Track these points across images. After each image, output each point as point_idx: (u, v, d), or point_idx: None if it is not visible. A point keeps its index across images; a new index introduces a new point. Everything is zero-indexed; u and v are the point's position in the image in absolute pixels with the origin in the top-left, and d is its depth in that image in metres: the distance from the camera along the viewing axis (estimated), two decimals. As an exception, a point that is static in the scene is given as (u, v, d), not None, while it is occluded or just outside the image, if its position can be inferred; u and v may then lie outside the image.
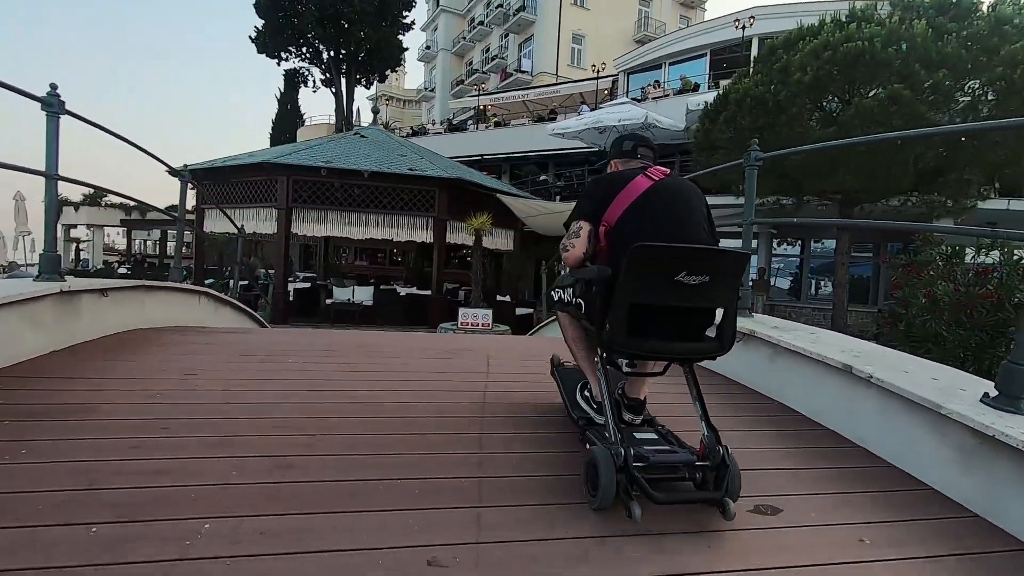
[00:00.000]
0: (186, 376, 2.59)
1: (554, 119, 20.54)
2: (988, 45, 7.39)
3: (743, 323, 3.04)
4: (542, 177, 19.17)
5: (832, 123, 7.76)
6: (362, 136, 12.91)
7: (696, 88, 17.23)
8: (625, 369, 2.02)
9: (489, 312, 9.18)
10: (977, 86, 7.21)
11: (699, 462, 1.66)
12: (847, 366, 2.25)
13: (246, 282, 12.81)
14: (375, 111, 13.89)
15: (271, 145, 32.98)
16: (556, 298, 2.13)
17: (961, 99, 7.41)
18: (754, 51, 17.25)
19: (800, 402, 2.55)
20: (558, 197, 16.72)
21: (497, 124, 22.17)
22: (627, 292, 1.56)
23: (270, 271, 14.12)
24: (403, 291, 12.67)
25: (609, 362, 1.93)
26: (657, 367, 2.00)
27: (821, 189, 8.85)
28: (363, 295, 11.85)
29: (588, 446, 1.82)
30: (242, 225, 9.01)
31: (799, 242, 15.45)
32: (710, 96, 13.50)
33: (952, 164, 7.56)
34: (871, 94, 7.70)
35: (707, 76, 18.35)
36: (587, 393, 2.10)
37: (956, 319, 5.16)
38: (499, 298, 11.48)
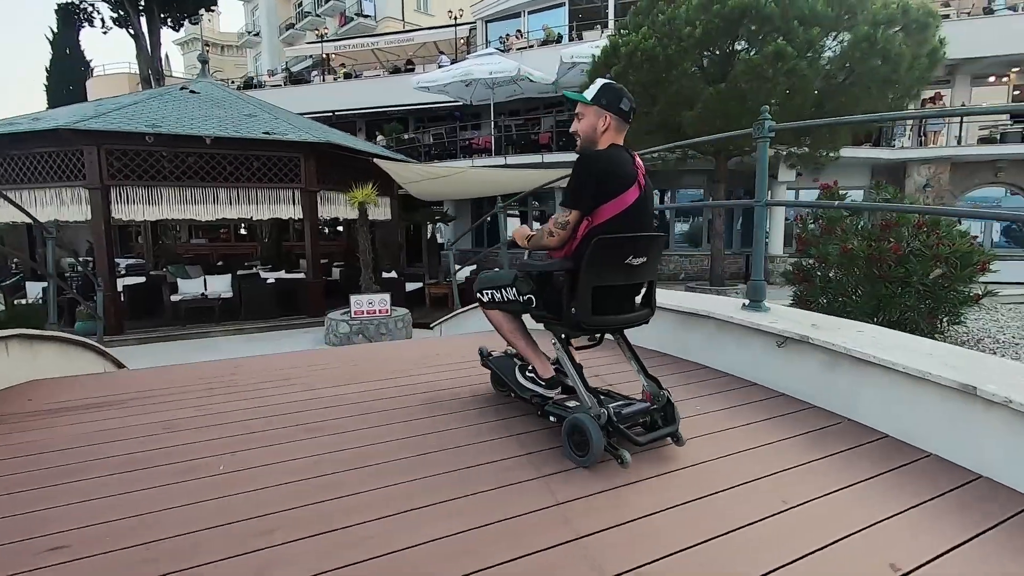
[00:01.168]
0: None
1: (412, 70, 19.01)
2: (848, 4, 7.88)
3: (776, 324, 2.67)
4: (407, 135, 17.73)
5: (722, 79, 7.86)
6: (193, 92, 10.54)
7: (559, 39, 16.88)
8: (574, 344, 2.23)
9: (386, 297, 8.17)
10: (845, 43, 7.70)
11: (651, 407, 2.02)
12: (968, 387, 1.94)
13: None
14: (204, 60, 11.36)
15: (50, 101, 26.64)
16: (488, 298, 2.22)
17: (830, 55, 7.86)
18: (611, 2, 17.27)
19: (883, 421, 2.22)
20: (435, 160, 15.58)
21: (347, 76, 19.93)
22: (591, 278, 1.84)
23: (80, 262, 11.30)
24: (268, 276, 10.91)
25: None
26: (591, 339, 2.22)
27: (709, 145, 9.09)
28: (219, 286, 9.97)
29: (552, 417, 2.11)
30: (56, 224, 6.82)
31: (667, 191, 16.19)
32: (582, 48, 13.21)
33: (824, 117, 8.14)
34: (752, 52, 7.87)
35: (567, 27, 18.06)
36: (530, 374, 2.24)
37: (868, 272, 5.44)
38: (385, 275, 10.38)
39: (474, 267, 10.38)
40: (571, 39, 17.08)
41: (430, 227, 13.80)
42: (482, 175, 10.50)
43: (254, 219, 9.49)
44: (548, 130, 15.60)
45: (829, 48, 7.94)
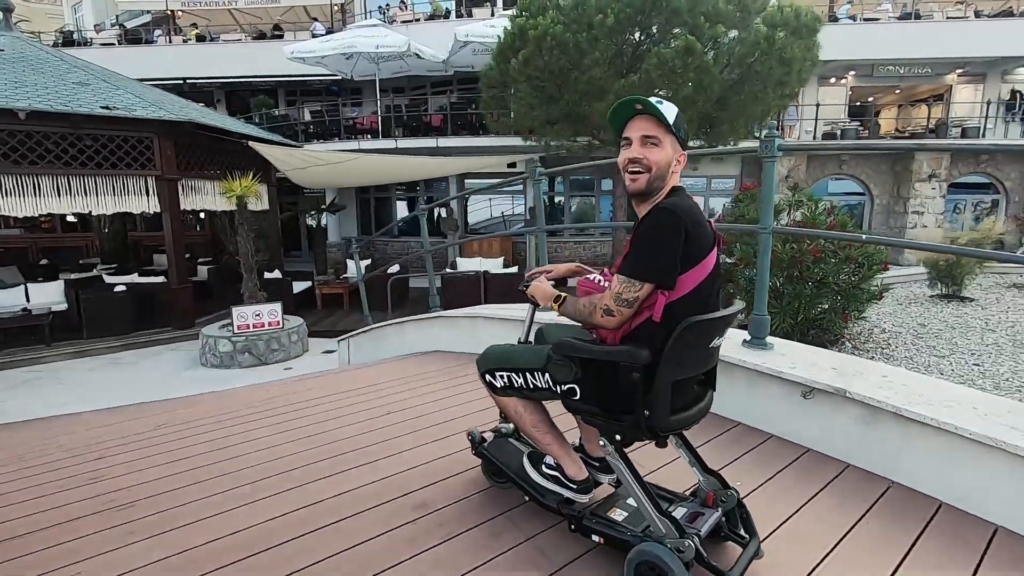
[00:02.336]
0: None
1: (281, 36, 16.97)
2: (745, 3, 8.11)
3: (795, 369, 2.41)
4: (280, 111, 15.80)
5: (632, 70, 7.72)
6: (-5, 49, 8.24)
7: (447, 15, 15.94)
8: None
9: (277, 307, 7.06)
10: (743, 42, 7.91)
11: (717, 511, 1.62)
12: (1047, 457, 1.77)
13: None
14: (7, 7, 8.90)
15: None
16: (503, 384, 1.73)
17: (731, 52, 8.05)
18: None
19: (936, 485, 2.03)
20: (314, 140, 13.98)
21: (200, 38, 17.23)
22: (673, 371, 1.43)
23: None
24: (116, 280, 9.02)
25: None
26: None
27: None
28: (47, 296, 8.04)
29: (596, 537, 1.62)
30: None
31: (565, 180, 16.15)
32: (476, 26, 12.51)
33: (725, 114, 8.39)
34: (659, 45, 7.82)
35: (454, 2, 17.12)
36: (551, 470, 1.76)
37: (790, 274, 5.61)
38: (267, 275, 9.08)
39: (396, 267, 9.42)
40: (459, 15, 16.22)
41: (314, 216, 12.40)
42: (380, 162, 9.54)
43: (94, 213, 7.70)
44: (437, 111, 14.75)
45: (728, 47, 8.13)
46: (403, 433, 2.60)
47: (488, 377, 1.76)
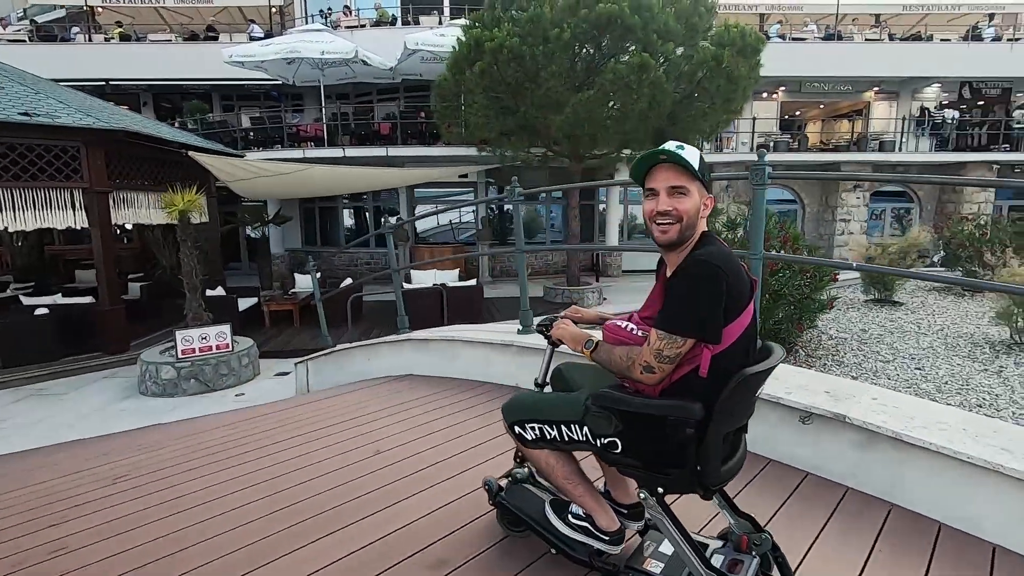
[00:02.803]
0: None
1: (216, 38, 16.15)
2: (692, 23, 8.40)
3: (792, 395, 2.46)
4: (215, 116, 14.98)
5: (588, 84, 7.82)
6: None
7: (394, 22, 15.67)
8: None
9: (226, 329, 6.63)
10: (693, 60, 8.19)
11: (755, 557, 1.58)
12: (1042, 479, 1.87)
13: None
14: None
15: None
16: (534, 436, 1.64)
17: (680, 68, 8.31)
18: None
19: (935, 507, 2.11)
20: (253, 148, 13.32)
21: (125, 37, 16.10)
22: (725, 423, 1.40)
23: None
24: (35, 301, 8.20)
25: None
26: None
27: (573, 148, 9.09)
28: (-45, 320, 7.21)
29: None
30: None
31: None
32: (426, 35, 12.34)
33: (676, 129, 8.64)
34: (614, 60, 7.96)
35: (399, 8, 16.85)
36: (578, 520, 1.70)
37: (749, 287, 5.80)
38: (209, 292, 8.54)
39: (348, 281, 9.06)
40: (405, 22, 15.99)
41: (258, 228, 11.78)
42: (331, 173, 9.19)
43: (11, 230, 6.98)
44: (384, 119, 14.41)
45: (677, 64, 8.38)
46: (400, 476, 2.45)
47: (517, 429, 1.66)
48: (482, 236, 14.47)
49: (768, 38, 17.15)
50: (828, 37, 16.99)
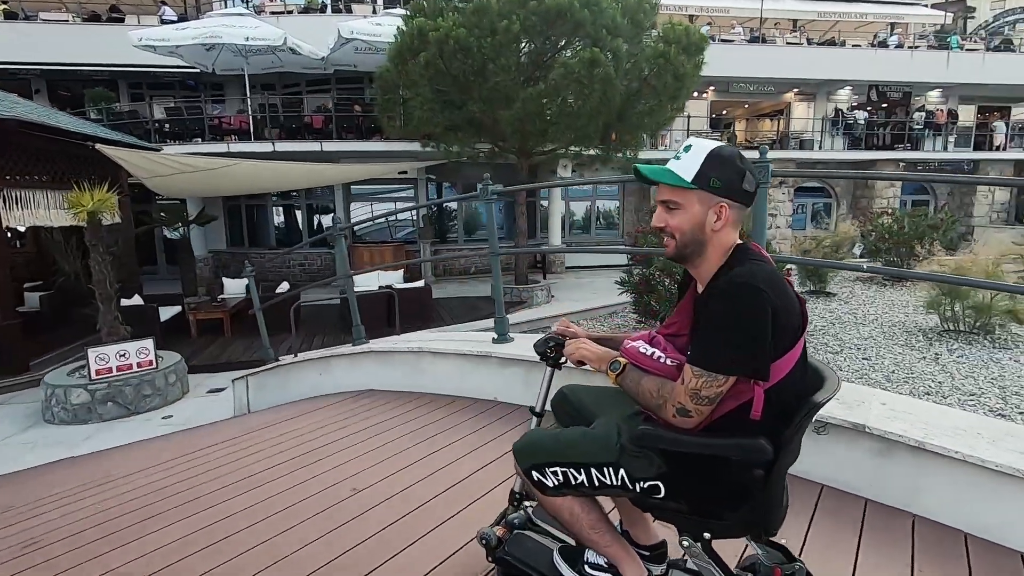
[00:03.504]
0: None
1: (122, 20, 14.69)
2: (637, 19, 8.40)
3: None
4: (123, 106, 13.59)
5: (539, 80, 7.62)
6: None
7: (324, 9, 14.84)
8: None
9: (148, 344, 5.92)
10: (640, 56, 8.19)
11: None
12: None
13: None
14: None
15: None
16: (556, 483, 1.38)
17: (628, 65, 8.29)
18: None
19: (958, 517, 2.05)
20: (168, 141, 12.15)
21: (10, 15, 14.28)
22: (788, 462, 1.25)
23: None
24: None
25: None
26: None
27: (521, 144, 8.87)
28: None
29: None
30: None
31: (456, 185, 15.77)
32: (361, 23, 11.72)
33: (624, 126, 8.63)
34: (565, 55, 7.82)
35: (328, -6, 15.98)
36: (591, 569, 1.48)
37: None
38: (125, 301, 7.66)
39: (285, 286, 8.38)
40: (336, 10, 15.20)
41: (178, 229, 10.73)
42: (262, 169, 8.48)
43: None
44: (315, 111, 13.60)
45: (625, 60, 8.36)
46: (386, 523, 2.11)
47: (536, 475, 1.39)
48: (424, 234, 14.02)
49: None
50: (753, 40, 17.74)
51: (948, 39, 18.50)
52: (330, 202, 15.10)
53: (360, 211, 15.87)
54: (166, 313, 8.30)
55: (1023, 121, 19.88)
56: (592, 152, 9.41)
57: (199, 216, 10.95)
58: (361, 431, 3.17)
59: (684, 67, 8.18)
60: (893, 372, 5.56)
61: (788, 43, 17.75)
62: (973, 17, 23.67)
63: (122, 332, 6.09)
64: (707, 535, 1.27)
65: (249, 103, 13.00)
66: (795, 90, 18.90)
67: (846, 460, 2.27)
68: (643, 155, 13.93)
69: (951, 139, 18.91)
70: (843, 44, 18.29)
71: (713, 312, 1.16)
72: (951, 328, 6.69)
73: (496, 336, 3.62)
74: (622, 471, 1.29)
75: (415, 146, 10.88)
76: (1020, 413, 4.48)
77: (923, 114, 18.84)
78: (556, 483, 1.37)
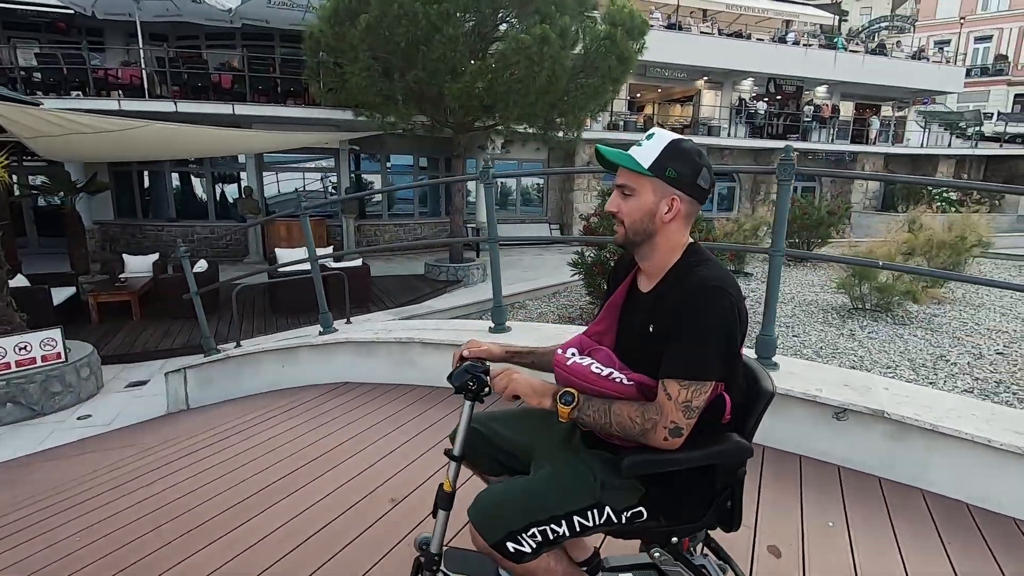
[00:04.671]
0: None
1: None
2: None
3: (823, 392, 2.52)
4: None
5: (484, 53, 7.33)
6: None
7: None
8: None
9: (55, 333, 5.11)
10: (585, 36, 8.17)
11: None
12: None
13: None
14: None
15: None
16: (533, 547, 1.16)
17: (573, 44, 8.26)
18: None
19: (960, 489, 2.30)
20: (38, 92, 10.39)
21: None
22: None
23: None
24: None
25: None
26: None
27: (465, 118, 8.55)
28: None
29: None
30: None
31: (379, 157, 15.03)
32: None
33: (567, 104, 8.62)
34: (515, 29, 7.60)
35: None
36: None
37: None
38: (12, 283, 6.54)
39: (203, 265, 7.52)
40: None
41: (65, 198, 9.19)
42: (172, 134, 7.48)
43: None
44: (218, 69, 12.24)
45: (572, 39, 8.32)
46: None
47: (512, 545, 1.16)
48: (347, 209, 13.30)
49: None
50: (670, 27, 18.38)
51: (835, 40, 20.34)
52: (236, 171, 13.84)
53: (283, 181, 14.71)
54: (58, 295, 7.21)
55: (891, 118, 22.45)
56: (531, 130, 9.34)
57: (90, 183, 9.53)
58: (358, 433, 2.96)
59: (629, 50, 8.30)
60: (821, 348, 6.13)
61: (702, 32, 18.58)
62: (846, 21, 26.15)
63: (17, 321, 5.22)
64: (675, 539, 1.28)
65: (142, 55, 11.45)
66: (705, 78, 19.90)
67: (862, 442, 2.46)
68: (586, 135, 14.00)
69: (834, 132, 20.99)
70: (748, 37, 19.47)
71: (691, 316, 1.13)
72: (858, 307, 7.47)
73: (493, 325, 3.51)
74: (607, 508, 1.20)
75: (342, 114, 10.17)
76: (930, 383, 5.12)
77: (812, 108, 20.69)
78: (535, 546, 1.17)
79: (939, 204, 17.89)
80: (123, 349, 6.49)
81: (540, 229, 16.80)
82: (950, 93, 22.71)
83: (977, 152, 22.07)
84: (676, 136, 1.22)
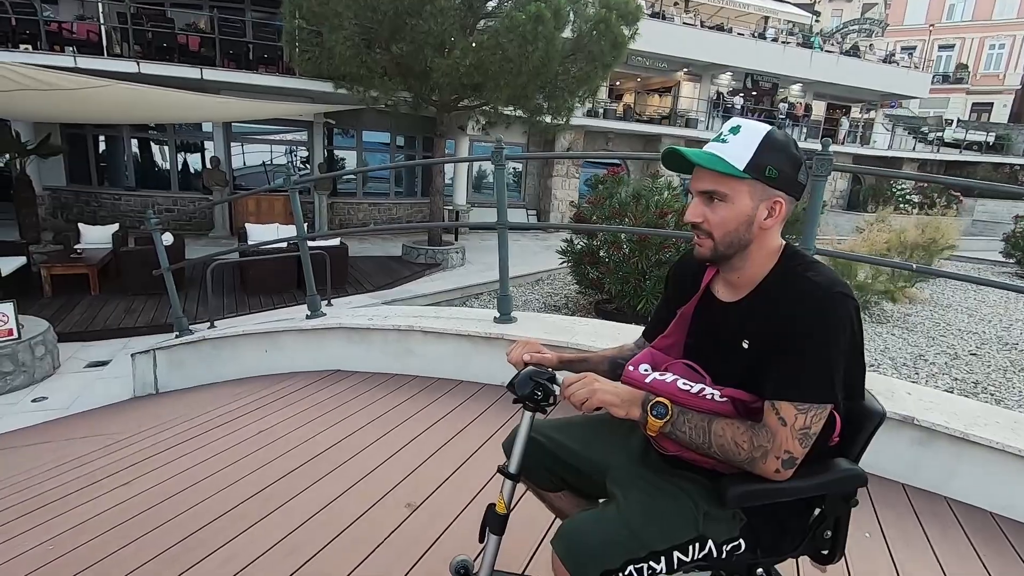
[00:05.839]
0: None
1: None
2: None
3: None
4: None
5: (473, 29, 7.03)
6: None
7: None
8: None
9: (7, 308, 4.68)
10: (580, 19, 7.96)
11: None
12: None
13: None
14: None
15: None
16: None
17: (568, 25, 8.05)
18: None
19: (985, 498, 2.28)
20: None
21: None
22: None
23: None
24: None
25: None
26: None
27: (450, 95, 8.24)
28: None
29: None
30: None
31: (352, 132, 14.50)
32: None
33: (556, 88, 8.42)
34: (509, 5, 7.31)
35: None
36: None
37: (658, 258, 5.97)
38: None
39: (169, 238, 7.04)
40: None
41: (15, 161, 8.42)
42: (142, 97, 6.95)
43: None
44: (185, 29, 11.48)
45: (567, 21, 8.10)
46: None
47: None
48: (320, 185, 12.80)
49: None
50: (653, 15, 18.27)
51: (812, 40, 20.64)
52: (200, 139, 13.12)
53: (248, 152, 14.00)
54: (5, 266, 6.66)
55: (859, 120, 23.04)
56: (519, 113, 9.11)
57: (42, 144, 8.82)
58: (345, 420, 2.76)
59: (622, 35, 8.14)
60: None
61: (684, 23, 18.55)
62: (818, 22, 26.62)
63: (-39, 292, 4.76)
64: (760, 571, 1.16)
65: (100, 8, 10.65)
66: (685, 69, 19.93)
67: (887, 449, 2.41)
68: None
69: (805, 130, 21.39)
70: (730, 31, 19.55)
71: (809, 330, 0.98)
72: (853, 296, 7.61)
73: (499, 315, 3.34)
74: (709, 541, 1.07)
75: (320, 85, 9.69)
76: (913, 381, 5.22)
77: (786, 105, 21.01)
78: None
79: (902, 206, 18.50)
80: (81, 326, 6.05)
81: (517, 215, 16.61)
82: (916, 98, 23.41)
83: (939, 157, 22.90)
84: (768, 126, 1.05)
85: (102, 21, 10.55)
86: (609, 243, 6.16)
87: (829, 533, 1.15)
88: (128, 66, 9.83)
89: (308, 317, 3.89)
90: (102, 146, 12.75)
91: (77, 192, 12.28)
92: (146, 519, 1.99)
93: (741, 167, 1.02)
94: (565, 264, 6.72)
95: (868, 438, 1.13)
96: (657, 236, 5.78)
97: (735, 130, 1.06)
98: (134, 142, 12.90)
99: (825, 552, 1.16)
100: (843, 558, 1.50)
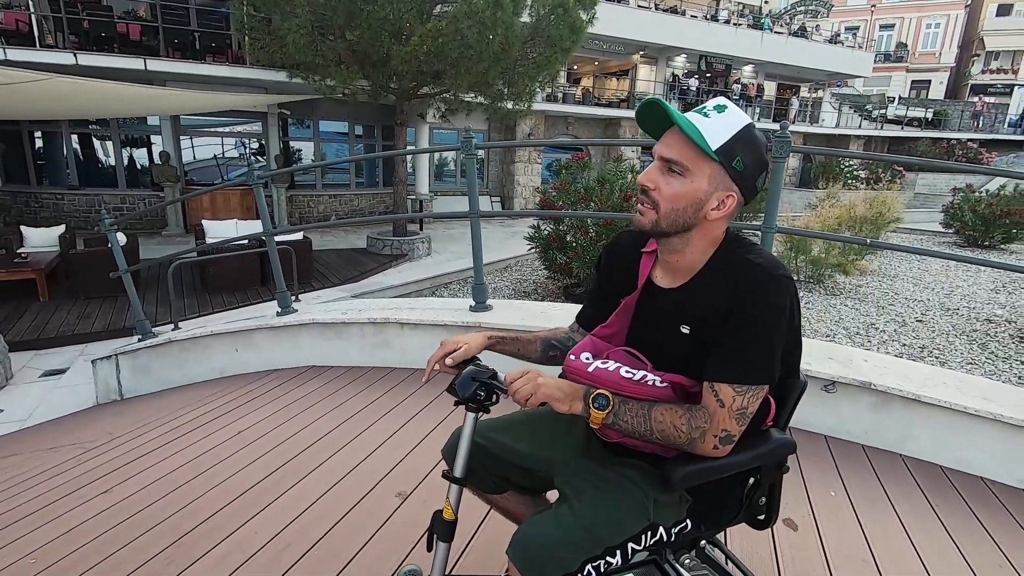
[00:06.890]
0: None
1: None
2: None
3: (811, 365, 2.60)
4: None
5: (430, 16, 6.91)
6: None
7: None
8: None
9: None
10: (538, 4, 7.94)
11: None
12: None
13: None
14: None
15: None
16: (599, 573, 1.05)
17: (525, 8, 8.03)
18: None
19: (937, 453, 2.46)
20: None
21: None
22: None
23: None
24: None
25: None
26: None
27: (410, 83, 8.10)
28: None
29: None
30: None
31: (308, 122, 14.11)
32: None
33: (515, 74, 8.39)
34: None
35: None
36: None
37: (608, 235, 6.09)
38: None
39: (123, 238, 6.72)
40: None
41: None
42: (89, 92, 6.59)
43: None
44: (123, 17, 10.90)
45: (524, 6, 8.07)
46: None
47: None
48: (278, 178, 12.47)
49: None
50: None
51: (762, 21, 21.11)
52: (147, 134, 12.56)
53: (198, 146, 13.44)
54: (-57, 273, 6.27)
55: (808, 99, 23.77)
56: (480, 100, 9.05)
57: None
58: (326, 415, 2.76)
59: (580, 20, 8.16)
60: (766, 319, 6.44)
61: (639, 6, 18.68)
62: (767, 2, 27.23)
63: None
64: (703, 543, 1.26)
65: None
66: (641, 52, 20.11)
67: (848, 413, 2.58)
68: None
69: (758, 110, 21.96)
70: (683, 13, 19.79)
71: (749, 313, 0.99)
72: (793, 279, 7.92)
73: (474, 303, 3.37)
74: (660, 528, 1.10)
75: (273, 75, 9.39)
76: (867, 349, 5.51)
77: (739, 86, 21.50)
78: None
79: (851, 182, 19.25)
80: (32, 334, 5.77)
81: (481, 202, 16.54)
82: (861, 76, 24.28)
83: (883, 133, 23.86)
84: (749, 120, 1.02)
85: (31, 9, 9.91)
86: (576, 228, 6.24)
87: (764, 500, 1.22)
88: (65, 58, 9.30)
89: (279, 314, 3.83)
90: (39, 143, 12.05)
91: (15, 193, 11.62)
92: (132, 525, 1.96)
93: (714, 147, 0.98)
94: (533, 250, 6.78)
95: (793, 407, 1.17)
96: (623, 220, 5.88)
97: (720, 108, 1.02)
98: (74, 138, 12.22)
99: (761, 517, 1.23)
100: (814, 520, 1.62)
